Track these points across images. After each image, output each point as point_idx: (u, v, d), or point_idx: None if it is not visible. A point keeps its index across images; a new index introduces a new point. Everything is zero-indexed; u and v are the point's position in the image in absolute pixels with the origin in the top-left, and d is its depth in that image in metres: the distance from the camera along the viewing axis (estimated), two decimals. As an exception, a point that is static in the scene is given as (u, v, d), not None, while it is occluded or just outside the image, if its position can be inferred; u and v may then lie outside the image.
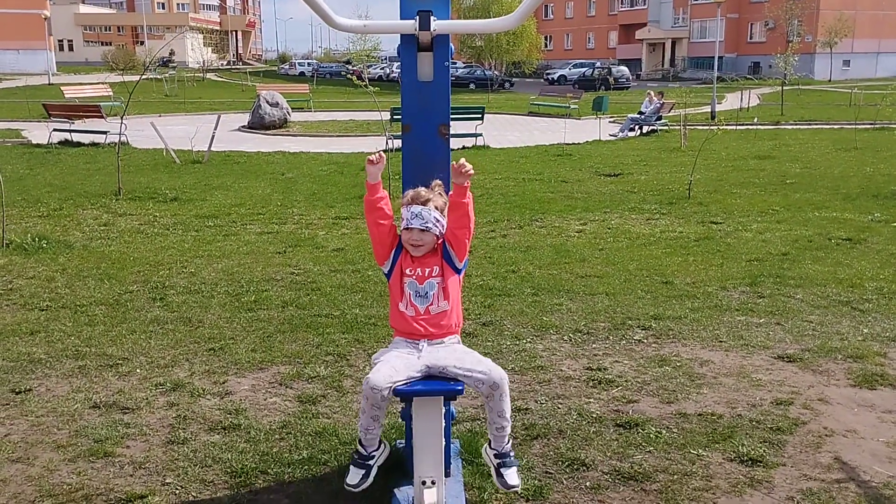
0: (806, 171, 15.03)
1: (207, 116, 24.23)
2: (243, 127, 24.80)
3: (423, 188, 3.28)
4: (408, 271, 3.23)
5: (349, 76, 15.60)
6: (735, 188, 13.13)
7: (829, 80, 55.28)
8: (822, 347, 5.58)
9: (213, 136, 16.64)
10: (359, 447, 3.19)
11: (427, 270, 3.23)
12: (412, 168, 3.42)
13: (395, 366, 3.03)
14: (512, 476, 3.17)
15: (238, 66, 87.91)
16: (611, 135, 23.06)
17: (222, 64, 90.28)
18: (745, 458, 3.94)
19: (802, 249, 8.66)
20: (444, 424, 3.20)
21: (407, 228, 3.21)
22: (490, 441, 3.24)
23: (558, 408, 4.58)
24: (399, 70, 3.37)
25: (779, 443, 4.12)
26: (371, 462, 3.16)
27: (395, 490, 3.45)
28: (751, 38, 63.99)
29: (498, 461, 3.19)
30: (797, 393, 4.80)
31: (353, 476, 3.14)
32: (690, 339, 5.81)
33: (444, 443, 3.16)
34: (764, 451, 4.02)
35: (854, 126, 22.64)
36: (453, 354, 3.12)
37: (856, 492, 3.63)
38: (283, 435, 4.20)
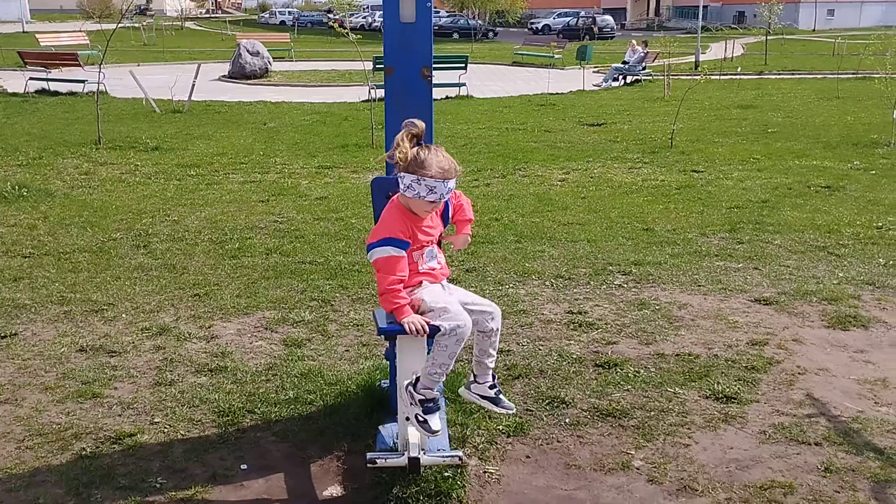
0: (788, 121, 15.09)
1: (187, 66, 23.86)
2: (223, 76, 24.46)
3: (446, 159, 3.01)
4: (417, 246, 3.12)
5: (331, 25, 15.38)
6: (717, 137, 13.18)
7: (814, 30, 55.10)
8: (798, 291, 5.69)
9: (193, 86, 16.43)
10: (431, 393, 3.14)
11: (434, 232, 3.20)
12: (395, 110, 3.42)
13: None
14: (507, 401, 3.31)
15: (217, 15, 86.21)
16: (594, 85, 22.98)
17: (201, 12, 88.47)
18: (720, 395, 4.06)
19: (782, 197, 8.75)
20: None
21: (435, 202, 3.03)
22: (476, 377, 3.29)
23: (539, 349, 4.68)
24: (381, 18, 3.34)
25: (753, 381, 4.23)
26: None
27: (381, 427, 3.53)
28: (736, -13, 63.45)
29: (494, 391, 3.27)
30: (772, 334, 4.91)
31: (436, 423, 3.12)
32: (670, 283, 5.91)
33: (427, 380, 3.22)
34: (738, 388, 4.13)
35: (837, 76, 22.67)
36: (459, 290, 3.19)
37: (825, 426, 3.76)
38: (269, 376, 4.26)
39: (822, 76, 24.79)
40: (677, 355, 4.58)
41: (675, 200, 8.67)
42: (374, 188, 3.43)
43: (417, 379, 3.15)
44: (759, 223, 7.58)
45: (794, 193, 8.92)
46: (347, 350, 4.64)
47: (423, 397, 3.10)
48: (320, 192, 9.01)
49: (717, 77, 23.85)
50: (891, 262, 6.32)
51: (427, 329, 2.98)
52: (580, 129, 14.45)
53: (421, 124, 3.05)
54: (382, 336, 3.13)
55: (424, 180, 2.94)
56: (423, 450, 3.17)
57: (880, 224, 7.47)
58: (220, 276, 5.97)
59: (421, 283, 3.13)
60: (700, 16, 30.84)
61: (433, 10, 3.39)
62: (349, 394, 3.98)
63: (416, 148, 3.02)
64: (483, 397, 3.28)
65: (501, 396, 3.30)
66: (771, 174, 10.06)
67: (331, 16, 42.20)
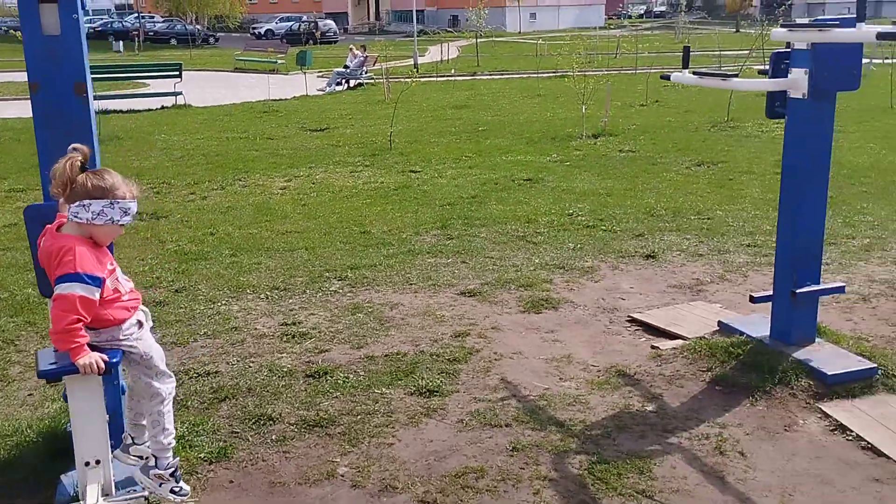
0: (496, 119, 16.15)
1: None
2: None
3: (125, 178, 2.88)
4: (109, 273, 2.91)
5: (12, 33, 13.93)
6: (433, 137, 13.77)
7: (520, 32, 59.61)
8: (499, 280, 6.08)
9: None
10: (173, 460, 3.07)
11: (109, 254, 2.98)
12: (47, 132, 3.13)
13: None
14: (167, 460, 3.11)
15: None
16: (318, 89, 23.05)
17: None
18: (424, 390, 4.22)
19: (489, 191, 9.33)
20: (107, 400, 3.03)
21: (125, 224, 2.89)
22: (134, 439, 3.10)
23: (250, 366, 4.56)
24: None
25: (454, 372, 4.45)
26: None
27: (62, 476, 3.23)
28: (449, -8, 66.91)
29: (175, 477, 3.07)
30: (474, 324, 5.20)
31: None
32: (384, 284, 6.05)
33: (106, 419, 2.99)
34: (441, 381, 4.32)
35: (538, 75, 24.70)
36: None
37: (516, 406, 4.04)
38: (-71, 437, 3.74)
39: (527, 76, 26.84)
40: (386, 356, 4.70)
41: (393, 201, 8.92)
42: (27, 217, 3.11)
43: (155, 458, 3.02)
44: (468, 218, 8.01)
45: (499, 188, 9.55)
46: (31, 394, 4.21)
47: (172, 469, 3.02)
48: (9, 218, 8.15)
49: (435, 79, 25.00)
50: (578, 246, 6.97)
51: (103, 367, 2.79)
52: (303, 135, 14.41)
53: (85, 149, 2.85)
54: (44, 380, 2.85)
55: (118, 203, 2.82)
56: (105, 494, 2.94)
57: (571, 211, 8.21)
58: None
59: (139, 323, 2.98)
60: (415, 20, 32.09)
61: (105, 19, 3.16)
62: (29, 443, 3.61)
63: (84, 175, 2.81)
64: (141, 458, 3.09)
65: (181, 481, 3.12)
66: (481, 170, 10.69)
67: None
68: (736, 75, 4.10)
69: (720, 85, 4.20)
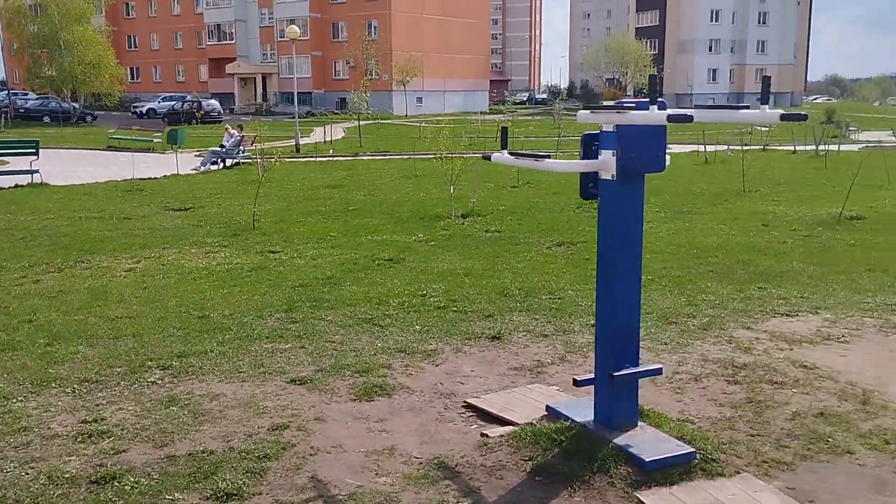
0: (369, 198, 16.04)
1: None
2: None
3: None
4: None
5: None
6: (301, 217, 13.48)
7: (406, 115, 60.74)
8: (335, 366, 5.77)
9: None
10: None
11: None
12: None
13: None
14: None
15: None
16: (192, 169, 22.48)
17: None
18: (222, 493, 3.82)
19: (347, 272, 9.06)
20: None
21: None
22: None
23: (27, 474, 4.04)
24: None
25: (261, 471, 4.07)
26: None
27: None
28: (336, 75, 67.74)
29: None
30: (297, 415, 4.85)
31: None
32: (210, 373, 5.63)
33: None
34: (244, 482, 3.93)
35: (419, 156, 24.94)
36: None
37: (321, 508, 3.71)
38: None
39: (408, 157, 27.13)
40: (190, 454, 4.27)
41: (244, 283, 8.52)
42: None
43: None
44: (317, 300, 7.69)
45: (358, 268, 9.30)
46: None
47: None
48: None
49: (314, 159, 24.87)
50: (425, 328, 6.76)
51: None
52: (164, 215, 13.83)
53: None
54: None
55: None
56: None
57: (425, 292, 8.02)
58: None
59: None
60: (296, 101, 32.12)
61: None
62: None
63: None
64: None
65: None
66: (343, 250, 10.43)
67: None
68: (549, 156, 4.04)
69: (534, 165, 4.14)
